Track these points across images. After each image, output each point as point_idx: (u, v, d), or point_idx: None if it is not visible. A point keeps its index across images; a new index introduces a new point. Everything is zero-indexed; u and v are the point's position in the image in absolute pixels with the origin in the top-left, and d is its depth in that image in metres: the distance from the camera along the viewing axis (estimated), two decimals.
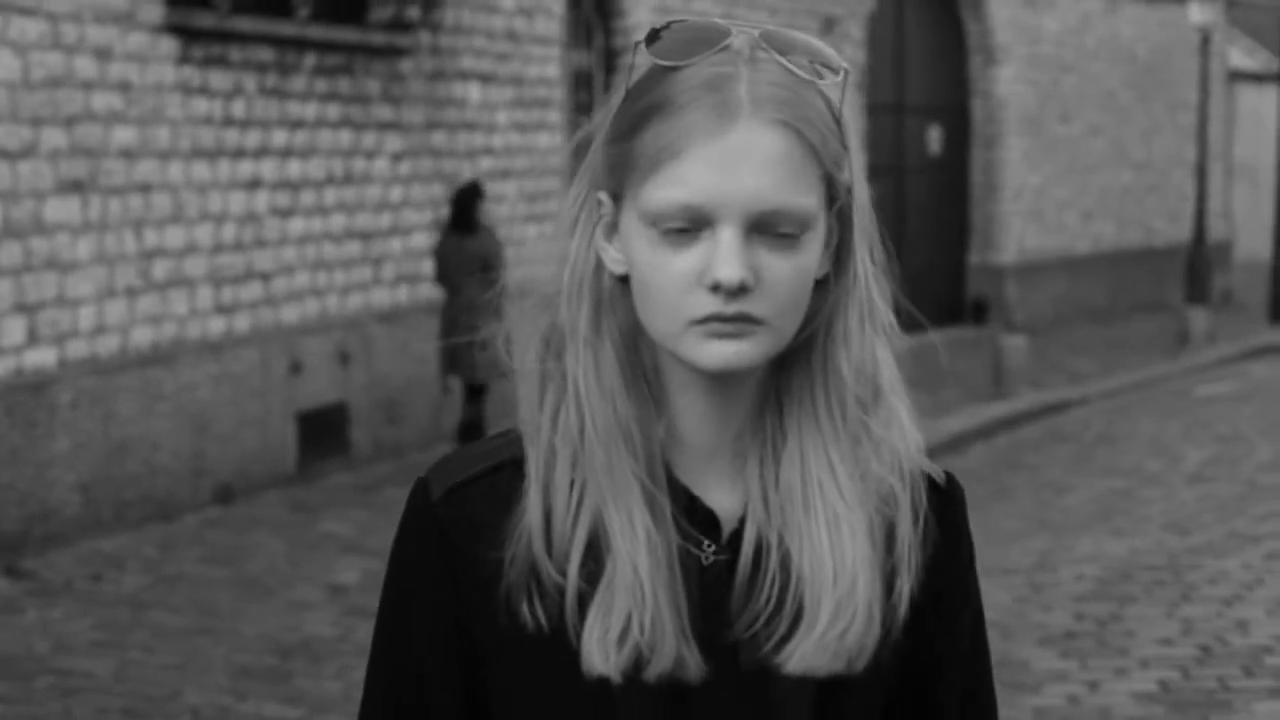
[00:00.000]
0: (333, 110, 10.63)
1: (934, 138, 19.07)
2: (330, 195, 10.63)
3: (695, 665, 1.65)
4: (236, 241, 9.85)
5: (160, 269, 9.28)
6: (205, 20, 9.56)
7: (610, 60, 13.67)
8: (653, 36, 1.66)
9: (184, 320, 9.46)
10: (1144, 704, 6.63)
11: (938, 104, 19.06)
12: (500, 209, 12.19)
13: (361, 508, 9.63)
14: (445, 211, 10.93)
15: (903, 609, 1.70)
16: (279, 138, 10.17)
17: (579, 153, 1.71)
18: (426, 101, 11.47)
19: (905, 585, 1.70)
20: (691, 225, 1.59)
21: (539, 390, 1.69)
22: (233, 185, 9.81)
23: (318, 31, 10.48)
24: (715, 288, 1.58)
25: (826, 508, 1.67)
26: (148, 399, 9.11)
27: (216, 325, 9.70)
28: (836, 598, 1.65)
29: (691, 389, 1.68)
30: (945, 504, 1.77)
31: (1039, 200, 20.17)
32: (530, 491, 1.67)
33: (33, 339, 8.44)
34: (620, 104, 1.66)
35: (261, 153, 10.03)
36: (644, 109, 1.62)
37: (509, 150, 12.36)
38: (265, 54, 10.06)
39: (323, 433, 10.49)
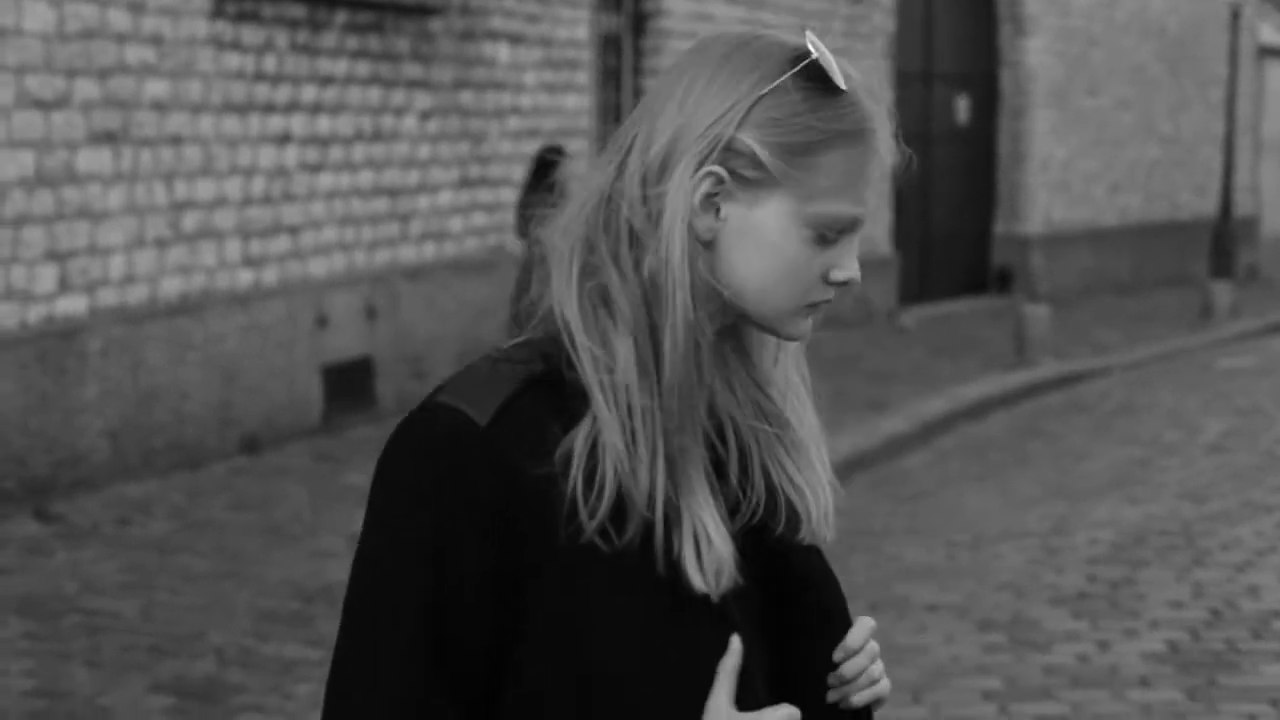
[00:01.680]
0: (362, 67, 10.72)
1: (961, 107, 19.09)
2: (359, 151, 10.72)
3: (736, 567, 1.82)
4: (265, 195, 9.95)
5: (190, 220, 9.38)
6: None
7: (639, 24, 13.73)
8: (807, 58, 1.82)
9: (213, 271, 9.56)
10: (1152, 663, 6.71)
11: (966, 73, 19.08)
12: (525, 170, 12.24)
13: None
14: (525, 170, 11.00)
15: None
16: (309, 93, 10.26)
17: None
18: (455, 60, 11.55)
19: None
20: (838, 231, 1.84)
21: (591, 315, 1.80)
22: (263, 140, 9.90)
23: None
24: (842, 284, 1.85)
25: (782, 407, 1.93)
26: (176, 348, 9.22)
27: (245, 277, 9.81)
28: (812, 478, 1.93)
29: (706, 351, 1.83)
30: None
31: (1066, 172, 20.19)
32: (599, 411, 1.77)
33: (64, 287, 8.55)
34: (792, 111, 1.80)
35: (291, 108, 10.13)
36: (841, 131, 1.82)
37: (537, 110, 12.43)
38: (296, 10, 10.15)
39: (348, 386, 10.59)
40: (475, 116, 11.77)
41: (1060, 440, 11.73)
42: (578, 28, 12.86)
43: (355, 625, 1.78)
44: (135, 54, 8.96)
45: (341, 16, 10.51)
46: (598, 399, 1.77)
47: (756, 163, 1.80)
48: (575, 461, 1.75)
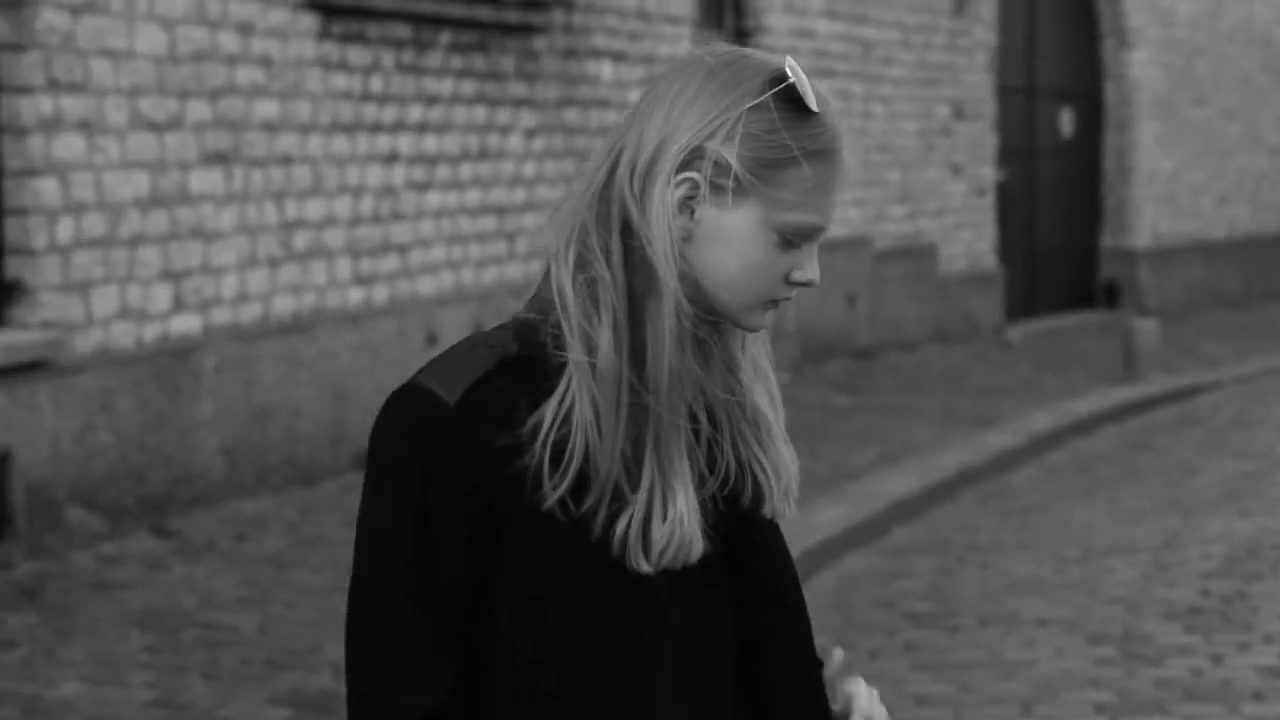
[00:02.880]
0: (468, 86, 10.80)
1: (1065, 121, 19.00)
2: (465, 170, 10.80)
3: (699, 542, 2.04)
4: (374, 214, 10.04)
5: (300, 239, 9.49)
6: None
7: (740, 40, 13.76)
8: (785, 81, 2.03)
9: (323, 290, 9.66)
10: (1266, 677, 6.67)
11: (1069, 87, 18.98)
12: None
13: None
14: None
15: None
16: (415, 113, 10.36)
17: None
18: (560, 79, 11.62)
19: None
20: (802, 239, 2.04)
21: (582, 304, 2.01)
22: (370, 159, 10.00)
23: (454, 9, 10.65)
24: (803, 284, 2.06)
25: (745, 391, 2.11)
26: (289, 366, 9.32)
27: (355, 296, 9.91)
28: (773, 456, 2.11)
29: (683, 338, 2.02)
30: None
31: (1172, 184, 20.04)
32: (577, 389, 1.98)
33: (178, 306, 8.66)
34: (767, 128, 2.00)
35: (398, 127, 10.22)
36: (813, 151, 2.02)
37: None
38: (402, 30, 10.25)
39: None
40: (580, 134, 11.84)
41: (1171, 454, 11.65)
42: (680, 45, 12.90)
43: (360, 565, 2.04)
44: (245, 75, 9.08)
45: (446, 36, 10.60)
46: (576, 377, 1.98)
47: (731, 174, 2.00)
48: (543, 433, 1.97)
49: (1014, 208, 17.93)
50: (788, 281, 2.05)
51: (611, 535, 1.99)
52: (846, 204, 14.97)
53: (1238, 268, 21.30)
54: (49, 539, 7.70)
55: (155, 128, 8.51)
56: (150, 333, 8.48)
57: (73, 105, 8.05)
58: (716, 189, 2.00)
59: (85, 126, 8.11)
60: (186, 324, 8.71)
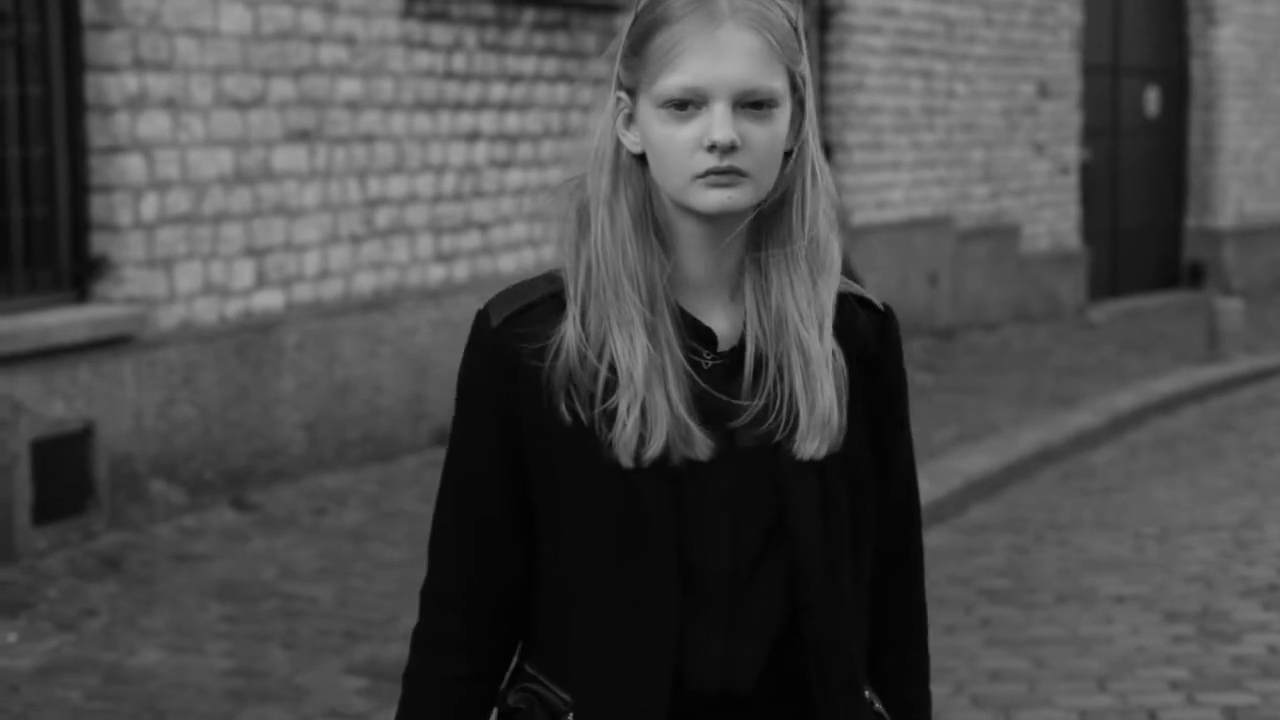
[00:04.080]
0: (550, 65, 10.85)
1: (1151, 99, 18.86)
2: (547, 148, 10.85)
3: (702, 447, 2.21)
4: (456, 192, 10.11)
5: (383, 217, 9.57)
6: None
7: (824, 19, 13.75)
8: None
9: (405, 267, 9.74)
10: None
11: (1155, 65, 18.84)
12: None
13: None
14: None
15: (865, 395, 2.31)
16: (498, 91, 10.41)
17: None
18: None
19: (857, 380, 2.29)
20: (693, 102, 2.16)
21: (572, 241, 2.26)
22: (453, 137, 10.06)
23: None
24: (712, 148, 2.15)
25: (796, 328, 2.23)
26: (370, 342, 9.40)
27: (436, 273, 9.97)
28: (813, 394, 2.22)
29: (693, 238, 2.23)
30: (883, 321, 2.35)
31: (1259, 164, 19.87)
32: (567, 320, 2.22)
33: (261, 282, 8.76)
34: (630, 25, 2.23)
35: (481, 106, 10.28)
36: (650, 23, 2.20)
37: None
38: (485, 9, 10.30)
39: None
40: None
41: (1252, 434, 11.59)
42: None
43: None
44: (329, 54, 9.16)
45: (529, 15, 10.65)
46: (568, 305, 2.23)
47: (621, 77, 2.24)
48: (551, 351, 2.22)
49: (1098, 187, 17.83)
50: (706, 150, 2.16)
51: (609, 439, 2.20)
52: (929, 183, 14.94)
53: None
54: (131, 511, 7.81)
55: (239, 106, 8.60)
56: (233, 308, 8.58)
57: (158, 84, 8.14)
58: (631, 97, 2.23)
59: (170, 104, 8.21)
60: (269, 300, 8.80)
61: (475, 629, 2.34)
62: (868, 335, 2.32)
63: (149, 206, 8.11)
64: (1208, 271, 19.10)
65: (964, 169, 15.54)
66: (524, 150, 10.64)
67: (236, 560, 7.42)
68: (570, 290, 2.23)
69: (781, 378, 2.22)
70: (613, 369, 2.20)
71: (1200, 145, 19.31)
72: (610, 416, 2.19)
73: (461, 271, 10.17)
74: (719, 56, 2.15)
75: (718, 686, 2.25)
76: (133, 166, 8.03)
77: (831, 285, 2.26)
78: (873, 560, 2.37)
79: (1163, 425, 11.92)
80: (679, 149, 2.16)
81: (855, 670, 2.31)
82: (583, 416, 2.20)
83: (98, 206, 7.99)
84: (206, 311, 8.42)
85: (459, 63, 10.09)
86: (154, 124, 8.12)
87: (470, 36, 10.17)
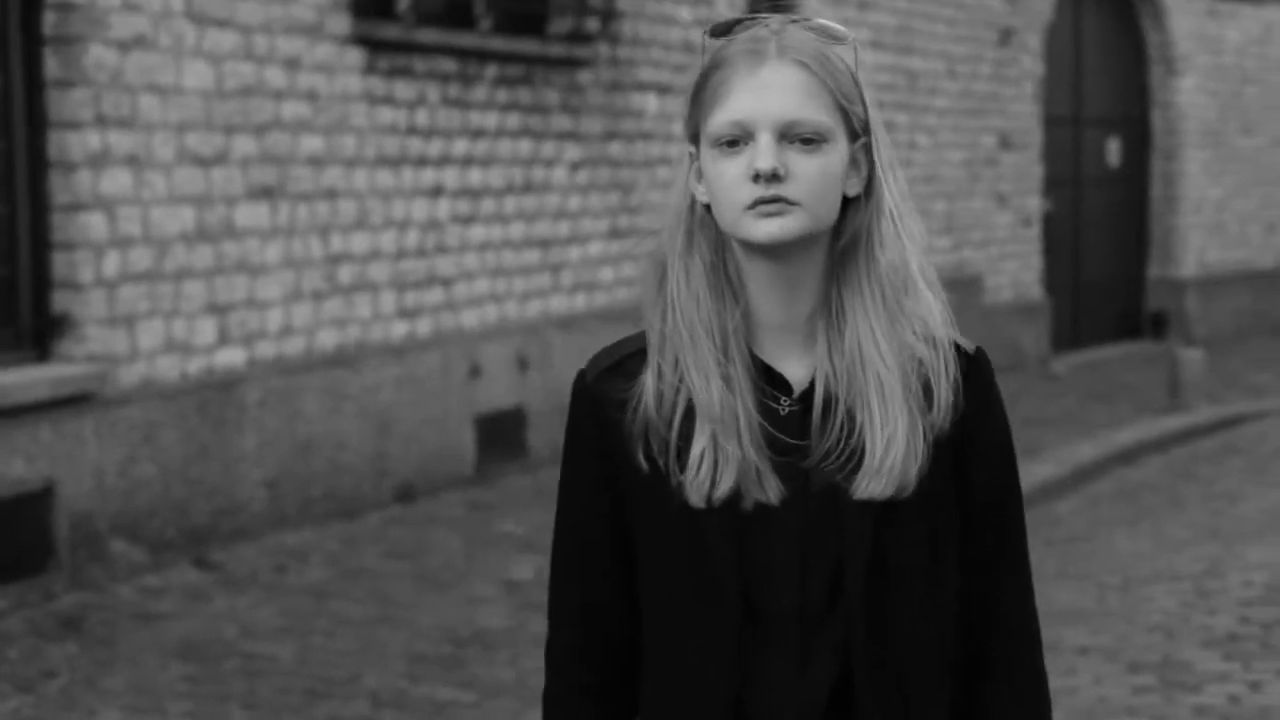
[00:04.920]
0: (513, 120, 10.88)
1: (1113, 149, 18.97)
2: (510, 203, 10.87)
3: (774, 489, 2.26)
4: (419, 247, 10.12)
5: (345, 273, 9.57)
6: (390, 32, 9.84)
7: None
8: (713, 29, 2.32)
9: (368, 323, 9.74)
10: None
11: (1117, 115, 18.96)
12: None
13: (538, 509, 9.84)
14: None
15: (951, 441, 2.32)
16: (460, 146, 10.44)
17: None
18: (604, 112, 11.70)
19: (940, 426, 2.30)
20: (740, 137, 2.22)
21: (652, 298, 2.32)
22: (416, 192, 10.08)
23: (499, 43, 10.73)
24: (756, 177, 2.21)
25: (873, 370, 2.26)
26: (332, 399, 9.40)
27: (399, 329, 9.98)
28: (885, 436, 2.25)
29: (765, 281, 2.29)
30: (974, 369, 2.38)
31: (1220, 213, 19.99)
32: (647, 370, 2.31)
33: (223, 339, 8.75)
34: (694, 80, 2.30)
35: (444, 161, 10.30)
36: (706, 71, 2.28)
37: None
38: (448, 65, 10.33)
39: (501, 436, 10.73)
40: (624, 167, 11.91)
41: (1214, 483, 11.62)
42: None
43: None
44: (291, 110, 9.18)
45: (492, 70, 10.69)
46: (649, 356, 2.32)
47: (688, 128, 2.32)
48: (632, 403, 2.31)
49: (1060, 238, 17.91)
50: (751, 180, 2.22)
51: (681, 481, 2.28)
52: None
53: None
54: (91, 570, 7.79)
55: (202, 162, 8.61)
56: (195, 366, 8.57)
57: (120, 141, 8.15)
58: (692, 156, 2.31)
59: (133, 161, 8.21)
60: (231, 357, 8.79)
61: (603, 676, 2.42)
62: (957, 377, 2.34)
63: (111, 264, 8.11)
64: (1170, 321, 19.18)
65: (926, 220, 15.47)
66: (487, 205, 10.66)
67: (198, 619, 7.40)
68: (650, 341, 2.31)
69: (852, 419, 2.27)
70: (687, 416, 2.27)
71: (1162, 195, 19.42)
72: (684, 460, 2.27)
73: (425, 327, 10.17)
74: (763, 91, 2.22)
75: None
76: (95, 224, 8.03)
77: (914, 330, 2.31)
78: (965, 611, 2.40)
79: (1125, 475, 11.96)
80: (729, 183, 2.23)
81: (917, 712, 2.34)
82: (659, 462, 2.29)
83: (59, 264, 7.98)
84: (168, 369, 8.41)
85: (422, 118, 10.12)
86: (116, 181, 8.13)
87: (433, 92, 10.20)
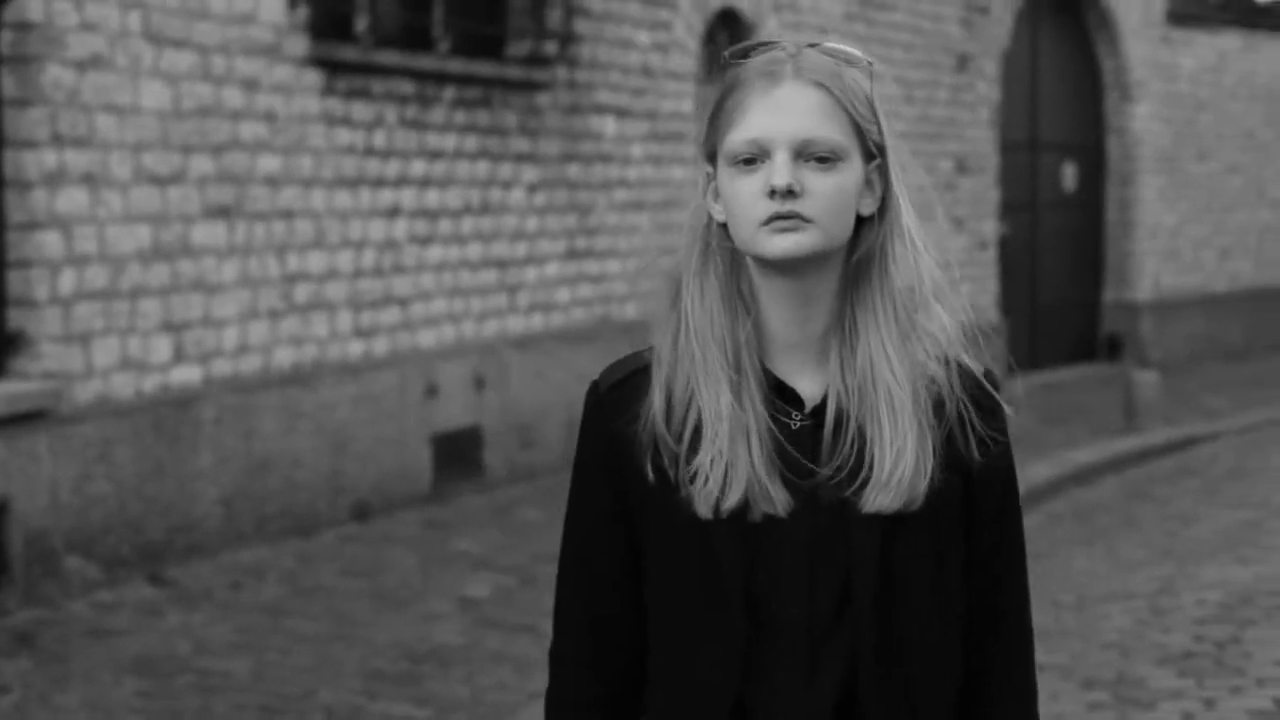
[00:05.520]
0: (471, 142, 10.90)
1: (1069, 174, 19.08)
2: (467, 224, 10.89)
3: (781, 502, 2.30)
4: (376, 267, 10.13)
5: (302, 292, 9.57)
6: (348, 53, 9.86)
7: None
8: (731, 52, 2.37)
9: (324, 342, 9.74)
10: None
11: (1072, 141, 19.06)
12: (634, 240, 12.41)
13: (494, 528, 9.85)
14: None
15: (959, 459, 2.34)
16: (418, 168, 10.45)
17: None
18: (562, 134, 11.72)
19: (952, 442, 2.35)
20: (756, 156, 2.27)
21: (665, 314, 2.36)
22: (373, 213, 10.09)
23: (457, 65, 10.76)
24: (771, 193, 2.25)
25: (884, 386, 2.30)
26: (288, 417, 9.39)
27: (355, 348, 9.98)
28: (895, 450, 2.28)
29: (779, 297, 2.32)
30: (983, 390, 2.42)
31: (1175, 238, 20.10)
32: (654, 385, 2.35)
33: (179, 357, 8.74)
34: (712, 101, 2.35)
35: (401, 182, 10.32)
36: (723, 92, 2.33)
37: (643, 183, 12.58)
38: (406, 87, 10.35)
39: (457, 455, 10.73)
40: (582, 189, 11.93)
41: (1169, 504, 11.68)
42: (683, 100, 13.01)
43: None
44: (249, 130, 9.18)
45: (450, 92, 10.71)
46: (657, 369, 2.35)
47: (704, 147, 2.36)
48: (643, 415, 2.34)
49: (1016, 262, 17.99)
50: (766, 196, 2.26)
51: (690, 492, 2.31)
52: None
53: (1240, 321, 21.34)
54: (46, 587, 7.76)
55: (158, 182, 8.60)
56: (150, 383, 8.55)
57: (76, 159, 8.15)
58: (709, 175, 2.36)
59: (89, 180, 8.21)
60: (187, 375, 8.78)
61: (608, 686, 2.45)
62: (967, 396, 2.37)
63: (66, 282, 8.10)
64: (1125, 344, 19.28)
65: None
66: (444, 226, 10.68)
67: (152, 636, 7.38)
68: (659, 355, 2.36)
69: (862, 435, 2.30)
70: (697, 429, 2.31)
71: (1117, 220, 19.53)
72: (693, 472, 2.30)
73: (381, 347, 10.18)
74: (778, 110, 2.26)
75: None
76: (50, 242, 8.02)
77: (925, 348, 2.35)
78: (968, 622, 2.44)
79: (1081, 496, 12.01)
80: (745, 200, 2.27)
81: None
82: (669, 474, 2.32)
83: (14, 282, 7.97)
84: (123, 386, 8.39)
85: (379, 139, 10.13)
86: (72, 200, 8.12)
87: (391, 113, 10.21)
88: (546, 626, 7.83)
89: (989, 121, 17.21)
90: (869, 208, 2.33)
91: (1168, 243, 19.98)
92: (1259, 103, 21.56)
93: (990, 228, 17.34)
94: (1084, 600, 8.74)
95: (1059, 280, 18.94)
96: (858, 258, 2.33)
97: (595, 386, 2.42)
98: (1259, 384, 18.26)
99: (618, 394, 2.38)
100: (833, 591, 2.32)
